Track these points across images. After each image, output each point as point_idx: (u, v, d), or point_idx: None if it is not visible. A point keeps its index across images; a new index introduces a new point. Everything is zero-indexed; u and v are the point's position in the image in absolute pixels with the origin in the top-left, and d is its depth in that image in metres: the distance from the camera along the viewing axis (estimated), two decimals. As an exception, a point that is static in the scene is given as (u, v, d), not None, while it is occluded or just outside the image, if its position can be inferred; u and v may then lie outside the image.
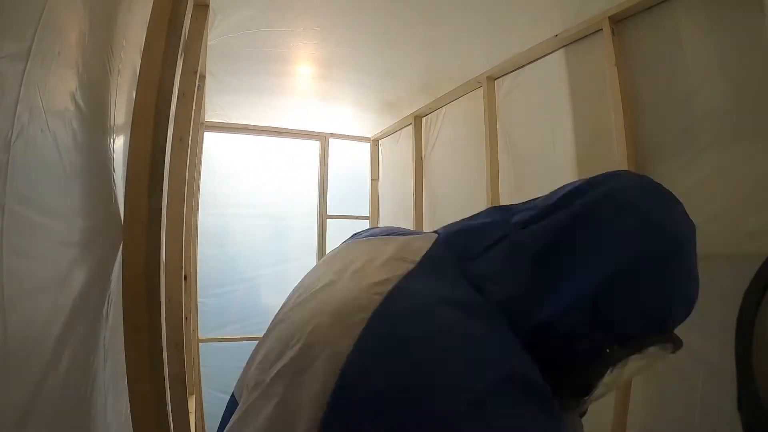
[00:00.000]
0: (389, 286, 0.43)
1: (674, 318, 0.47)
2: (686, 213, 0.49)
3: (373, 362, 0.37)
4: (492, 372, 0.37)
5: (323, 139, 3.08)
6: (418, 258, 0.49)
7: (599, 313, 0.43)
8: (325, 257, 0.61)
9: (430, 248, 0.51)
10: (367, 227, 0.65)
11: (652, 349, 0.47)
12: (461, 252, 0.50)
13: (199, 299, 2.41)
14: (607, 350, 0.44)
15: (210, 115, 2.62)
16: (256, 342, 0.54)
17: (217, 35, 1.64)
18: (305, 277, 0.59)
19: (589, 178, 0.51)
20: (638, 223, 0.45)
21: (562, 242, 0.46)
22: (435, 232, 0.57)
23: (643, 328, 0.45)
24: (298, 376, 0.39)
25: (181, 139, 1.16)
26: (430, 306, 0.42)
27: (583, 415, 0.56)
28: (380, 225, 3.11)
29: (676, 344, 0.48)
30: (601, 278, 0.43)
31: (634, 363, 0.47)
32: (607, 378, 0.46)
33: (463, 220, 0.56)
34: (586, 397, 0.47)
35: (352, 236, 0.66)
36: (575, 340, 0.44)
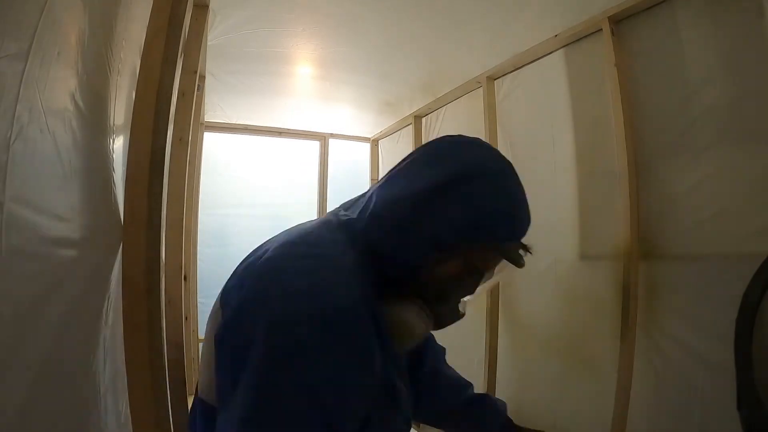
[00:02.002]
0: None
1: (486, 228, 0.61)
2: (499, 153, 0.69)
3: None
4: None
5: (323, 139, 3.08)
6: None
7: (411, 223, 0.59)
8: None
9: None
10: None
11: (500, 264, 0.66)
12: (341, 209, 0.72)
13: (199, 299, 2.41)
14: (426, 257, 0.59)
15: (210, 115, 2.62)
16: None
17: (217, 35, 1.64)
18: None
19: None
20: (464, 154, 0.64)
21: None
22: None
23: (455, 237, 0.59)
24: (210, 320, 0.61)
25: (181, 139, 1.16)
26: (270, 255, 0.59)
27: (458, 318, 0.70)
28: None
29: (515, 260, 0.65)
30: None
31: (489, 278, 0.67)
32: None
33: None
34: (443, 303, 0.65)
35: None
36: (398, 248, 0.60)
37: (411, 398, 0.72)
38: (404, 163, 0.66)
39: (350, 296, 0.54)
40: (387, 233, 0.60)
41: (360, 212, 0.64)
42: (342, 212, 0.69)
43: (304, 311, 0.51)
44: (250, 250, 0.65)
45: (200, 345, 2.36)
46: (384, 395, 0.60)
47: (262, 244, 0.66)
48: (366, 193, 0.69)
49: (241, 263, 0.62)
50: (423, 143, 0.71)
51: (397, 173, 0.65)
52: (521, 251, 0.67)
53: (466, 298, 0.69)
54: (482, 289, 0.69)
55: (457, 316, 0.70)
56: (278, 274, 0.55)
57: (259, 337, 0.50)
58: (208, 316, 0.61)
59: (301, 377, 0.49)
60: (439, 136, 0.69)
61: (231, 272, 0.62)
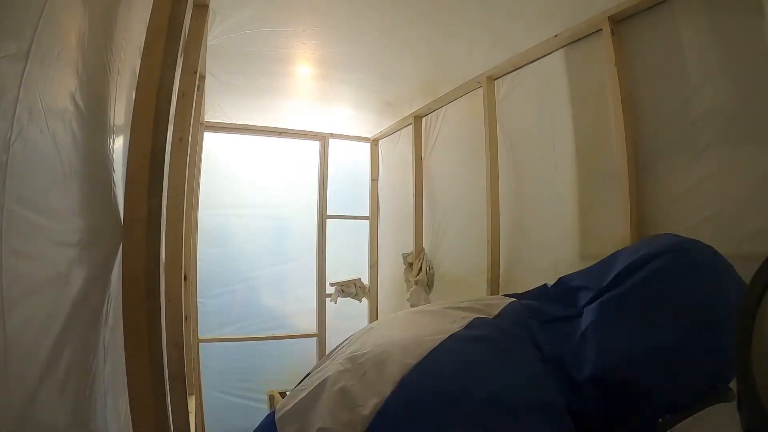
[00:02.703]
0: (465, 323, 0.61)
1: (726, 380, 0.49)
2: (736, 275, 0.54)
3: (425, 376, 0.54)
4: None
5: (323, 139, 3.08)
6: (496, 312, 0.65)
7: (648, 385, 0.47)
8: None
9: (505, 305, 0.67)
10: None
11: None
12: (532, 315, 0.63)
13: (199, 299, 2.41)
14: (659, 420, 0.48)
15: (210, 115, 2.62)
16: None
17: (217, 35, 1.64)
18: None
19: (640, 252, 0.59)
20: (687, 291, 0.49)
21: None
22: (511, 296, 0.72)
23: (695, 398, 0.48)
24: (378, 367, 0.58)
25: (181, 139, 1.16)
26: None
27: None
28: (379, 225, 3.11)
29: (731, 399, 0.51)
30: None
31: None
32: None
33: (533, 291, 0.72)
34: None
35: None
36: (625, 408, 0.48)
37: None
38: (622, 288, 0.52)
39: None
40: (615, 397, 0.49)
41: (574, 354, 0.52)
42: (542, 341, 0.58)
43: None
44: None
45: (200, 345, 2.36)
46: None
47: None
48: (572, 307, 0.58)
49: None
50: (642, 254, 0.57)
51: (618, 305, 0.52)
52: None
53: None
54: None
55: None
56: None
57: None
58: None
59: None
60: (665, 251, 0.52)
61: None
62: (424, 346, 0.56)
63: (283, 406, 0.64)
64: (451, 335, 0.57)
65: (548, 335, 0.56)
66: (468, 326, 0.58)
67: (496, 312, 0.64)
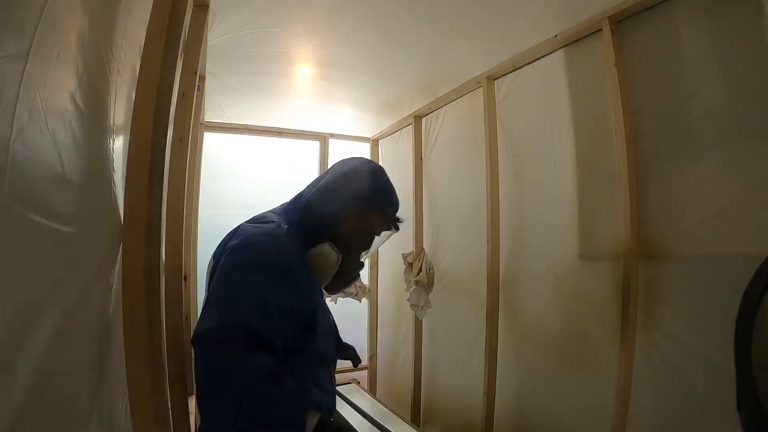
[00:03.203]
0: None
1: (372, 198, 1.08)
2: (370, 163, 1.18)
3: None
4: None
5: (323, 139, 3.08)
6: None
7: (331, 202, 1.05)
8: None
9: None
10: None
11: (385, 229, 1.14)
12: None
13: (199, 299, 2.41)
14: (341, 219, 1.05)
15: (210, 115, 2.62)
16: None
17: (217, 35, 1.64)
18: None
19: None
20: (349, 166, 1.12)
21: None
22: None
23: (356, 202, 1.06)
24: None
25: (181, 139, 1.16)
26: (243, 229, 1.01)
27: (360, 267, 1.17)
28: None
29: (394, 222, 1.14)
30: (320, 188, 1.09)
31: (380, 236, 1.16)
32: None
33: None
34: (350, 251, 1.08)
35: None
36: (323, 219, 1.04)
37: (334, 325, 1.15)
38: (313, 182, 1.14)
39: (288, 243, 0.96)
40: (314, 208, 1.05)
41: (292, 206, 1.12)
42: (277, 211, 1.14)
43: (262, 250, 0.92)
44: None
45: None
46: (312, 315, 0.95)
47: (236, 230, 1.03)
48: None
49: (226, 239, 1.04)
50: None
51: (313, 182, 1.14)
52: (398, 223, 1.15)
53: (365, 254, 1.14)
54: (374, 247, 1.16)
55: (360, 265, 1.15)
56: (249, 238, 0.95)
57: (230, 262, 0.90)
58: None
59: (250, 283, 0.86)
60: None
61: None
62: None
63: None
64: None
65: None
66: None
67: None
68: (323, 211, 1.03)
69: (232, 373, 0.75)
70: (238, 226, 1.03)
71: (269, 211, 1.13)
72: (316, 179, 1.13)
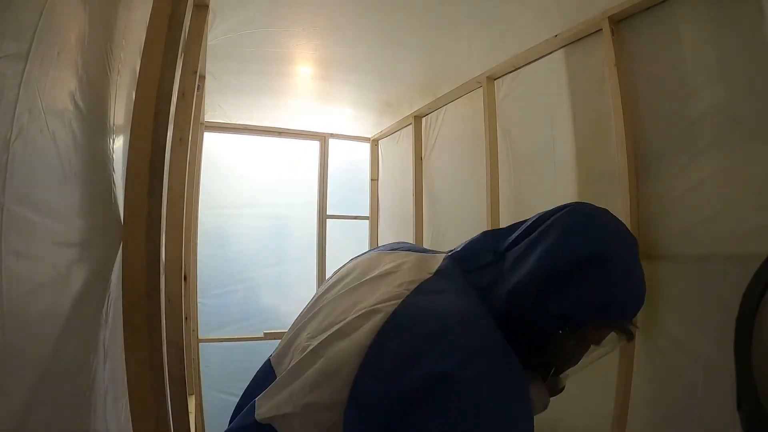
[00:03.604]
0: (414, 286, 0.63)
1: (616, 309, 0.63)
2: (627, 230, 0.68)
3: (396, 331, 0.56)
4: (478, 338, 0.56)
5: (323, 139, 3.08)
6: (433, 270, 0.69)
7: (549, 299, 0.61)
8: (355, 259, 0.82)
9: (441, 263, 0.71)
10: (387, 243, 0.86)
11: (608, 338, 0.67)
12: (463, 267, 0.70)
13: (199, 299, 2.41)
14: (560, 332, 0.61)
15: (210, 115, 2.62)
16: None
17: (216, 35, 1.64)
18: (338, 272, 0.80)
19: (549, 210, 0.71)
20: (583, 232, 0.65)
21: (529, 249, 0.66)
22: (443, 252, 0.77)
23: (587, 316, 0.61)
24: (340, 340, 0.58)
25: (181, 139, 1.16)
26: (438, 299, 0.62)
27: (559, 391, 0.71)
28: (379, 225, 3.12)
29: (629, 335, 0.66)
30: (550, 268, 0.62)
31: (596, 350, 0.68)
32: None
33: (463, 244, 0.75)
34: (552, 372, 0.67)
35: (377, 248, 0.87)
36: (534, 323, 0.62)
37: None
38: (536, 234, 0.66)
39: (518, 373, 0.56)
40: (525, 309, 0.62)
41: (496, 282, 0.65)
42: (470, 274, 0.69)
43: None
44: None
45: (200, 345, 2.36)
46: None
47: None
48: (492, 248, 0.71)
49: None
50: (555, 215, 0.68)
51: (532, 244, 0.65)
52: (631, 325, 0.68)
53: (569, 371, 0.70)
54: (586, 361, 0.70)
55: (562, 388, 0.71)
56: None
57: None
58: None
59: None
60: (569, 205, 0.69)
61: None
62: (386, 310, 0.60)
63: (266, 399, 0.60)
64: (406, 297, 0.62)
65: (479, 276, 0.68)
66: (416, 290, 0.63)
67: (434, 269, 0.70)
68: (537, 313, 0.61)
69: None
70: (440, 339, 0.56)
71: (455, 267, 0.70)
72: (533, 238, 0.66)
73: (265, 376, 0.66)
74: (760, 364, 0.89)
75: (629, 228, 1.30)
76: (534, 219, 0.69)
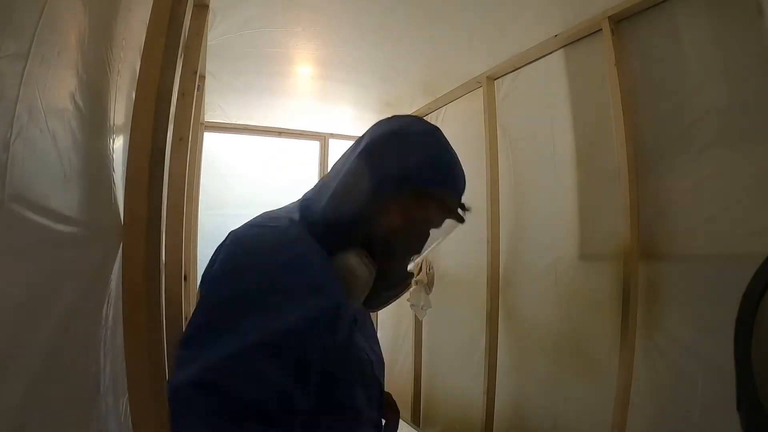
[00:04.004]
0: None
1: (416, 172, 0.68)
2: (426, 122, 0.79)
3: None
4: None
5: (323, 139, 3.08)
6: None
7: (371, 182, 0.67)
8: None
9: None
10: None
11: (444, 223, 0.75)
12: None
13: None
14: (372, 207, 0.69)
15: (210, 115, 2.62)
16: None
17: (217, 35, 1.64)
18: None
19: None
20: (393, 124, 0.75)
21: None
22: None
23: (394, 182, 0.67)
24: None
25: (180, 139, 1.16)
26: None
27: (408, 278, 0.78)
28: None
29: (454, 213, 0.73)
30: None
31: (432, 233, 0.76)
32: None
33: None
34: (390, 258, 0.73)
35: None
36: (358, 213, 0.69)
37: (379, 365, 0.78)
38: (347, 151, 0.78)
39: (304, 250, 0.65)
40: (337, 196, 0.69)
41: (314, 197, 0.76)
42: (293, 207, 0.79)
43: (265, 261, 0.63)
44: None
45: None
46: (345, 357, 0.66)
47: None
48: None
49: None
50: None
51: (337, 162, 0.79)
52: (461, 211, 0.74)
53: (414, 259, 0.77)
54: (428, 249, 0.78)
55: (406, 274, 0.77)
56: (240, 244, 0.69)
57: (224, 282, 0.65)
58: None
59: (254, 317, 0.57)
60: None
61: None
62: None
63: None
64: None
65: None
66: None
67: None
68: (349, 199, 0.67)
69: None
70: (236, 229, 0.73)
71: (282, 208, 0.82)
72: (348, 151, 0.77)
73: None
74: (760, 364, 0.89)
75: (629, 228, 1.31)
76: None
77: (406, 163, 0.68)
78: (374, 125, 0.78)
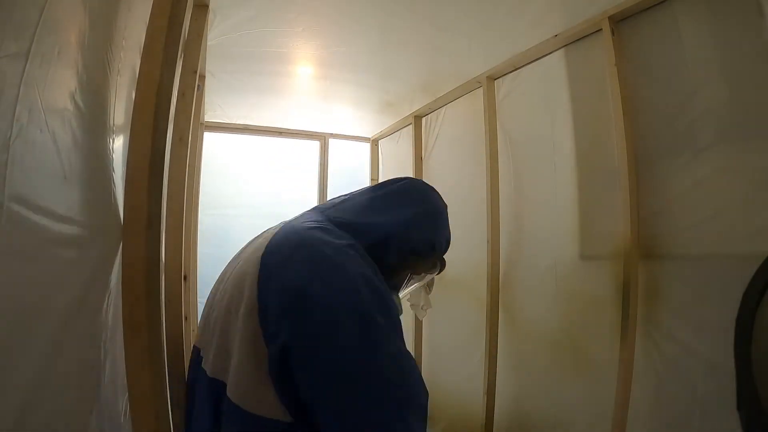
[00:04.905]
0: (273, 233, 0.77)
1: (439, 246, 0.94)
2: (441, 197, 0.99)
3: (270, 268, 0.68)
4: (353, 270, 0.67)
5: (323, 139, 3.08)
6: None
7: (401, 240, 0.83)
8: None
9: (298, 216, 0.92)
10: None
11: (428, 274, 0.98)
12: (322, 208, 0.90)
13: (199, 299, 2.40)
14: (405, 262, 0.87)
15: (210, 115, 2.62)
16: None
17: (216, 35, 1.64)
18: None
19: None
20: (420, 196, 0.93)
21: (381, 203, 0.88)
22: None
23: (424, 250, 0.89)
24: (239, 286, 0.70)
25: (180, 139, 1.16)
26: (298, 230, 0.75)
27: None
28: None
29: (443, 266, 1.02)
30: (402, 223, 0.84)
31: (423, 277, 0.99)
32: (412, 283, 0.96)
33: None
34: (398, 291, 0.94)
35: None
36: (390, 254, 0.82)
37: None
38: (381, 192, 0.91)
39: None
40: (396, 241, 0.84)
41: (354, 220, 0.84)
42: (332, 214, 0.86)
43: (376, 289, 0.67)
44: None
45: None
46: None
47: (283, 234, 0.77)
48: (348, 199, 0.92)
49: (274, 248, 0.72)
50: (396, 179, 0.96)
51: (377, 199, 0.89)
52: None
53: (402, 292, 1.00)
54: (410, 290, 1.05)
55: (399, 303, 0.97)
56: (337, 268, 0.67)
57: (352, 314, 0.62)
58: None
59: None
60: (399, 178, 0.97)
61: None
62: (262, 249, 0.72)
63: None
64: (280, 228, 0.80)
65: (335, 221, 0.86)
66: (285, 223, 0.84)
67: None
68: (411, 240, 0.85)
69: None
70: (302, 242, 0.72)
71: (322, 217, 0.85)
72: (387, 197, 0.90)
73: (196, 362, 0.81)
74: (760, 363, 0.89)
75: (629, 228, 1.31)
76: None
77: (441, 239, 0.95)
78: (414, 193, 0.93)
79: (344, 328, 0.60)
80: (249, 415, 0.62)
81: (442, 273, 1.06)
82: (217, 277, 0.87)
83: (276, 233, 0.75)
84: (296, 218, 0.87)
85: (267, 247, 0.71)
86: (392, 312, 0.67)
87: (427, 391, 0.65)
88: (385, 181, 0.96)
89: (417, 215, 0.87)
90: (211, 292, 0.86)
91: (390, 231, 0.82)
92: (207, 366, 0.73)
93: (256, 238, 0.85)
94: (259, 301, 0.64)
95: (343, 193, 0.94)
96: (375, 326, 0.62)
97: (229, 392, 0.65)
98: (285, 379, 0.61)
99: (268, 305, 0.63)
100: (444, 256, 1.00)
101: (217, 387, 0.68)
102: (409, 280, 0.94)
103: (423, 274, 0.97)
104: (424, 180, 1.04)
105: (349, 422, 0.58)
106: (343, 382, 0.59)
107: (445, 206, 1.00)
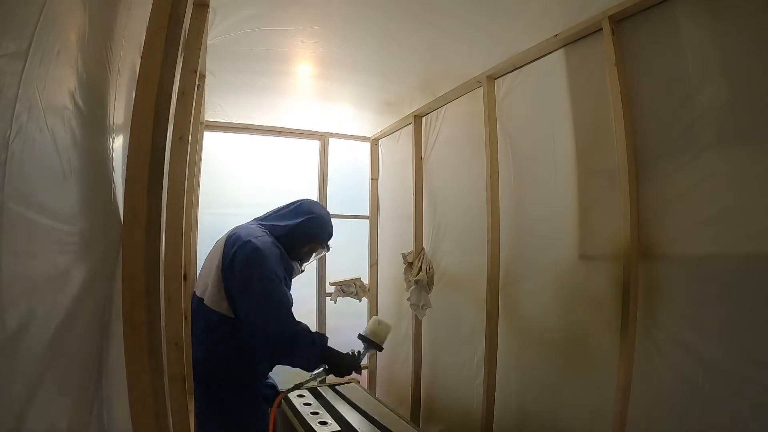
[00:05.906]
0: (233, 232, 1.90)
1: (321, 236, 2.00)
2: (323, 208, 2.17)
3: (227, 248, 1.78)
4: (264, 250, 1.75)
5: (323, 138, 3.08)
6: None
7: (300, 234, 1.93)
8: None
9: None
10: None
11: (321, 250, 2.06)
12: (258, 219, 2.04)
13: (198, 299, 2.40)
14: (305, 247, 1.98)
15: (210, 115, 2.62)
16: None
17: (217, 34, 1.64)
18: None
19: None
20: (307, 209, 2.00)
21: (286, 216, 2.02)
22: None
23: (310, 238, 1.96)
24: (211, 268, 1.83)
25: (180, 139, 1.16)
26: (241, 233, 1.83)
27: (301, 271, 2.05)
28: (379, 224, 3.12)
29: (328, 248, 2.07)
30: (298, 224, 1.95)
31: (315, 255, 2.07)
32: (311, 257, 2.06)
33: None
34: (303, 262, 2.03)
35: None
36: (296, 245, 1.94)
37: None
38: (285, 210, 2.01)
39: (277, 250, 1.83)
40: (295, 234, 1.92)
41: (275, 225, 1.93)
42: (264, 223, 1.97)
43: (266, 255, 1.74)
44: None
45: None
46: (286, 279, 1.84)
47: (235, 233, 1.85)
48: (270, 214, 2.04)
49: (231, 239, 1.81)
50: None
51: (284, 214, 1.99)
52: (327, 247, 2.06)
53: (304, 265, 2.03)
54: (312, 261, 2.07)
55: (300, 270, 2.01)
56: (258, 249, 1.73)
57: (256, 270, 1.70)
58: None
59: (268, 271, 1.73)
60: (297, 200, 2.05)
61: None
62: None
63: None
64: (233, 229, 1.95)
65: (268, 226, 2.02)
66: (237, 226, 1.99)
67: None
68: (297, 236, 1.91)
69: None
70: (241, 236, 1.79)
71: (257, 225, 1.93)
72: (290, 212, 1.99)
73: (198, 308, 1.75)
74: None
75: (629, 228, 1.31)
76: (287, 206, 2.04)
77: (322, 230, 1.98)
78: (305, 207, 2.00)
79: (253, 275, 1.67)
80: (213, 311, 1.69)
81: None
82: None
83: (232, 234, 1.83)
84: (242, 225, 1.90)
85: (227, 240, 1.80)
86: (278, 272, 1.72)
87: (290, 305, 1.76)
88: (289, 203, 2.02)
89: (304, 220, 1.90)
90: (203, 264, 1.90)
91: (290, 229, 1.88)
92: (197, 293, 1.76)
93: (222, 237, 1.89)
94: (222, 261, 1.73)
95: (269, 210, 2.03)
96: (267, 276, 1.68)
97: (205, 301, 1.71)
98: (231, 297, 1.69)
99: (225, 264, 1.71)
100: (330, 243, 2.05)
101: (200, 300, 1.72)
102: (309, 255, 1.99)
103: (315, 252, 2.01)
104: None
105: (251, 312, 1.66)
106: (248, 295, 1.66)
107: (327, 213, 2.05)
